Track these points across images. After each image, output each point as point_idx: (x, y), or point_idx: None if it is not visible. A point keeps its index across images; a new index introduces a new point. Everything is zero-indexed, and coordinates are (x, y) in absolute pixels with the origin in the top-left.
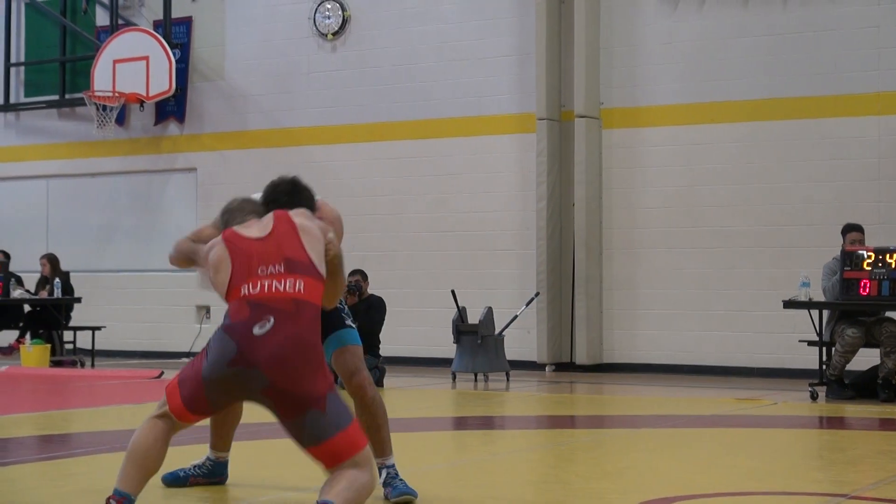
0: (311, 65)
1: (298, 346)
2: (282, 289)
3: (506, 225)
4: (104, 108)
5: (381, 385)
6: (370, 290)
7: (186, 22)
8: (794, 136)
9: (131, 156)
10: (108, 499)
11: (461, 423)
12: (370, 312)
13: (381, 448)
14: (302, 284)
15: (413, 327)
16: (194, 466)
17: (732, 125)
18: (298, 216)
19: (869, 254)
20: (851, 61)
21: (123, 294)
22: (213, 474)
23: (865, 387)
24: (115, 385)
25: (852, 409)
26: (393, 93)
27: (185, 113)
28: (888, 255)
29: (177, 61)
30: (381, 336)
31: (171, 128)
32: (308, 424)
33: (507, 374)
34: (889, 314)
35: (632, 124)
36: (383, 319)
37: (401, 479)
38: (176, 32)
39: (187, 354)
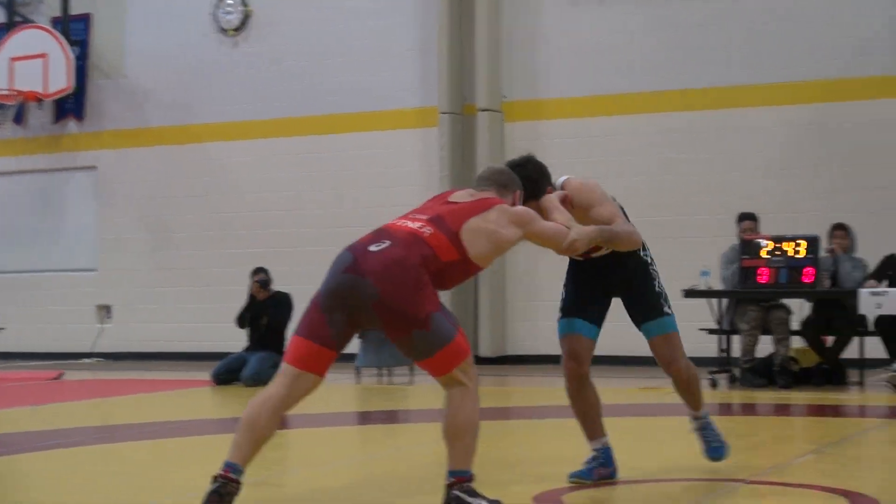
0: (213, 61)
1: (403, 266)
2: (410, 225)
3: None
4: (1, 106)
5: None
6: (274, 287)
7: (85, 18)
8: (694, 127)
9: (30, 154)
10: (217, 476)
11: (366, 418)
12: (278, 309)
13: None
14: (431, 231)
15: None
16: (588, 462)
17: (634, 116)
18: (498, 210)
19: (767, 242)
20: (752, 52)
21: (23, 295)
22: (608, 463)
23: (764, 374)
24: (12, 386)
25: (752, 396)
26: (295, 88)
27: (84, 110)
28: (785, 244)
29: (76, 58)
30: (287, 332)
31: (71, 126)
32: (415, 343)
33: (412, 369)
34: (781, 301)
35: (534, 117)
36: (290, 316)
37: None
38: (74, 29)
39: (88, 355)
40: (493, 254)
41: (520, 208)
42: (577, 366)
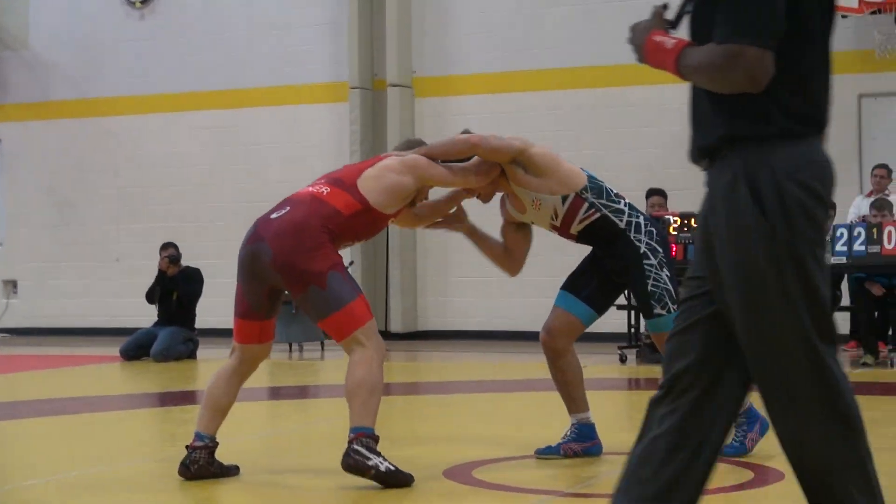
0: (119, 33)
1: (299, 227)
2: (310, 189)
3: None
4: None
5: (195, 357)
6: (183, 262)
7: None
8: (603, 104)
9: None
10: (186, 446)
11: (276, 394)
12: (188, 284)
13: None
14: (328, 189)
15: (227, 299)
16: (564, 436)
17: (543, 93)
18: (392, 158)
19: (675, 219)
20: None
21: None
22: (581, 438)
23: None
24: None
25: (660, 371)
26: (203, 62)
27: None
28: (693, 220)
29: None
30: (197, 307)
31: None
32: (312, 299)
33: (322, 344)
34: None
35: (444, 93)
36: (201, 291)
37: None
38: None
39: None
40: (392, 198)
41: (412, 155)
42: (549, 338)
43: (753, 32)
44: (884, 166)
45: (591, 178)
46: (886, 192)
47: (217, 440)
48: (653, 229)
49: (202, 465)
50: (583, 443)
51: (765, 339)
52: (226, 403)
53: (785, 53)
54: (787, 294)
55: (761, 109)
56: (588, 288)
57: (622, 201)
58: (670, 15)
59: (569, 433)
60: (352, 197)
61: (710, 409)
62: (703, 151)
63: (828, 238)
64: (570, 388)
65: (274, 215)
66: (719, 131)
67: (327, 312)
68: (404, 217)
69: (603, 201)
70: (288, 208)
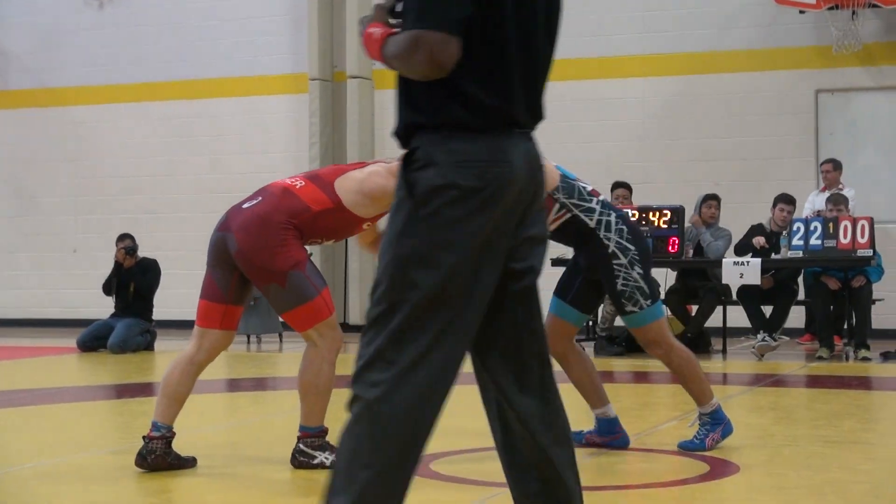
0: (78, 23)
1: (266, 221)
2: (285, 181)
3: None
4: None
5: (152, 349)
6: (140, 254)
7: None
8: (565, 98)
9: None
10: (144, 437)
11: (234, 386)
12: (145, 276)
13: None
14: (302, 183)
15: (186, 290)
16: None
17: None
18: (379, 164)
19: (633, 212)
20: (618, 24)
21: None
22: (603, 433)
23: (633, 341)
24: None
25: (618, 364)
26: (163, 52)
27: None
28: (651, 213)
29: None
30: (154, 299)
31: None
32: (272, 295)
33: (280, 336)
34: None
35: None
36: (158, 282)
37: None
38: None
39: None
40: (371, 202)
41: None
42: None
43: (434, 17)
44: (830, 161)
45: (564, 176)
46: (840, 186)
47: (174, 430)
48: (623, 227)
49: (159, 455)
50: (604, 437)
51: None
52: (182, 392)
53: (472, 43)
54: (420, 277)
55: (442, 99)
56: (572, 290)
57: (594, 199)
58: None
59: (594, 426)
60: (325, 194)
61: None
62: (398, 137)
63: (784, 233)
64: (581, 387)
65: (246, 205)
66: (405, 119)
67: (286, 308)
68: (369, 234)
69: (574, 201)
70: (259, 199)
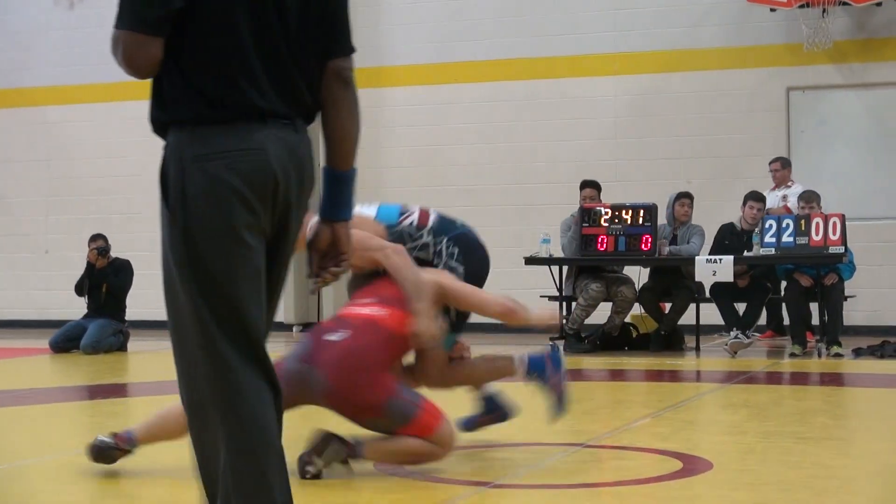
0: (49, 22)
1: (357, 354)
2: (363, 312)
3: None
4: None
5: (125, 349)
6: (113, 254)
7: None
8: (536, 96)
9: None
10: (114, 433)
11: None
12: (117, 276)
13: None
14: (386, 311)
15: (159, 290)
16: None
17: (477, 85)
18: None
19: (606, 210)
20: (590, 22)
21: None
22: (490, 410)
23: (605, 340)
24: None
25: (590, 362)
26: None
27: None
28: (624, 212)
29: None
30: (127, 299)
31: None
32: (371, 426)
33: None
34: (627, 274)
35: (377, 84)
36: (130, 283)
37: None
38: None
39: None
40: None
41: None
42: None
43: (128, 18)
44: (779, 160)
45: (388, 227)
46: (790, 183)
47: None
48: (455, 249)
49: (109, 460)
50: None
51: (174, 327)
52: (174, 435)
53: (202, 36)
54: (184, 283)
55: (178, 94)
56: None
57: (423, 230)
58: None
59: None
60: (402, 309)
61: None
62: (156, 133)
63: (756, 230)
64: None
65: (331, 337)
66: (152, 116)
67: (391, 430)
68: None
69: (407, 246)
70: (346, 332)
